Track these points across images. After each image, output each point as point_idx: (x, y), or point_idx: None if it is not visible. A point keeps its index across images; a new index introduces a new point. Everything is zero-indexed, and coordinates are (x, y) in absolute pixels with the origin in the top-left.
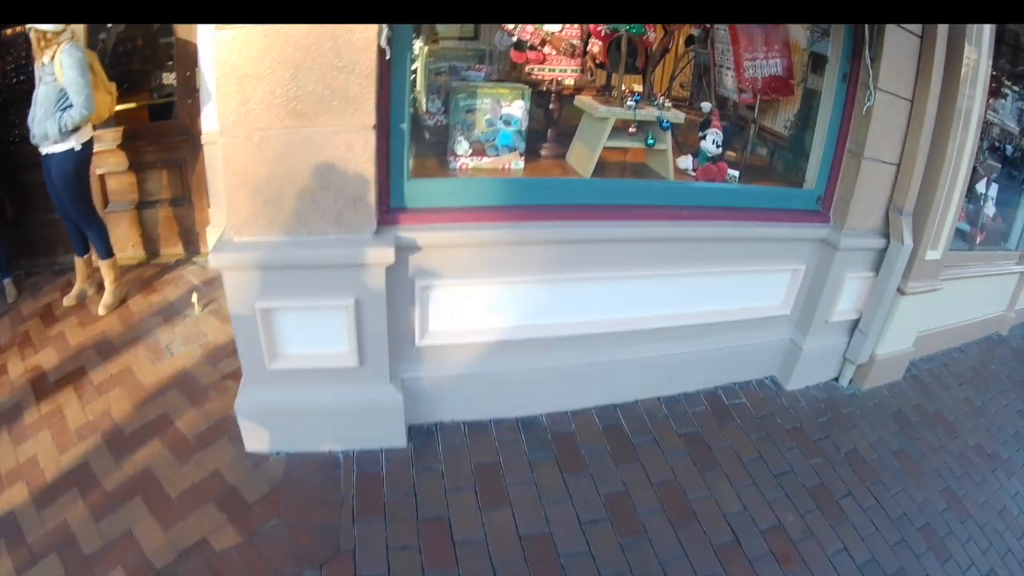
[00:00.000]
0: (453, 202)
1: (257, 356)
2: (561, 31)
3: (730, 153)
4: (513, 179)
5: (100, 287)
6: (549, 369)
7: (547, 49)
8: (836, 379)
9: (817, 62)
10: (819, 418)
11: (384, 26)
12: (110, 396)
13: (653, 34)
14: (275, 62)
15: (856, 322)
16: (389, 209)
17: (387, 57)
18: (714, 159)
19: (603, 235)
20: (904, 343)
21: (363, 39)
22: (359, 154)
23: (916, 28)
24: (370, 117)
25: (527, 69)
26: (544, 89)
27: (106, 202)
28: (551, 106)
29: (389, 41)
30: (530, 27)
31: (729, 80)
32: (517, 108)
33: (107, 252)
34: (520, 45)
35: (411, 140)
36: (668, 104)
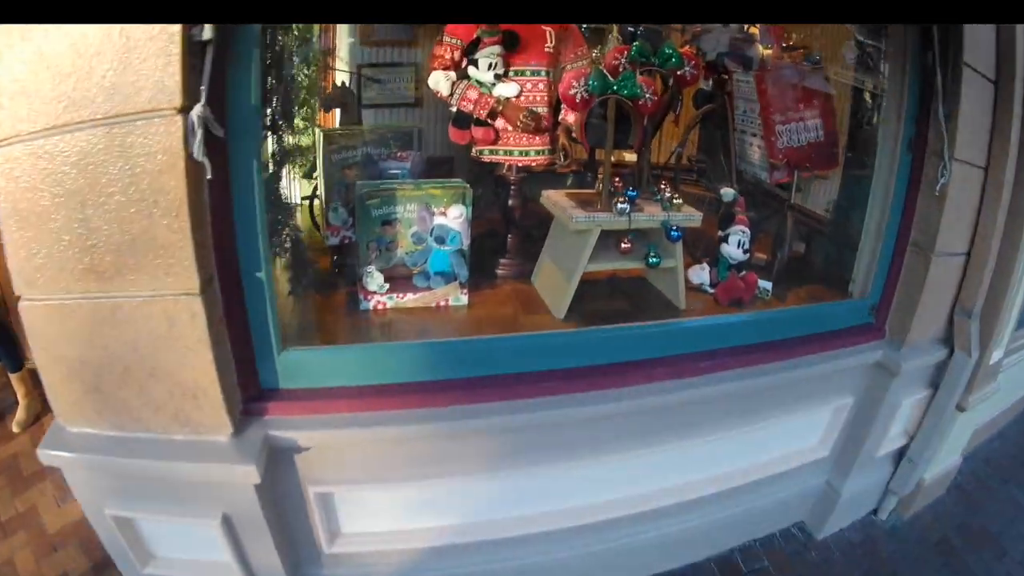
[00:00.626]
0: (353, 379)
1: (126, 558)
2: (518, 96)
3: (759, 254)
4: (445, 344)
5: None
6: (509, 568)
7: (500, 123)
8: (875, 511)
9: (862, 116)
10: (855, 571)
11: (196, 127)
12: (14, 541)
13: (651, 95)
14: (56, 194)
15: (903, 448)
16: (259, 392)
17: (208, 175)
18: (739, 266)
19: (583, 415)
20: (953, 457)
21: (164, 149)
22: (186, 330)
23: (990, 71)
24: (191, 276)
25: (473, 152)
26: (500, 177)
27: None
28: (510, 202)
29: (206, 145)
30: (472, 93)
31: (755, 152)
32: (456, 217)
33: (15, 365)
34: (460, 119)
35: (301, 275)
36: (677, 199)
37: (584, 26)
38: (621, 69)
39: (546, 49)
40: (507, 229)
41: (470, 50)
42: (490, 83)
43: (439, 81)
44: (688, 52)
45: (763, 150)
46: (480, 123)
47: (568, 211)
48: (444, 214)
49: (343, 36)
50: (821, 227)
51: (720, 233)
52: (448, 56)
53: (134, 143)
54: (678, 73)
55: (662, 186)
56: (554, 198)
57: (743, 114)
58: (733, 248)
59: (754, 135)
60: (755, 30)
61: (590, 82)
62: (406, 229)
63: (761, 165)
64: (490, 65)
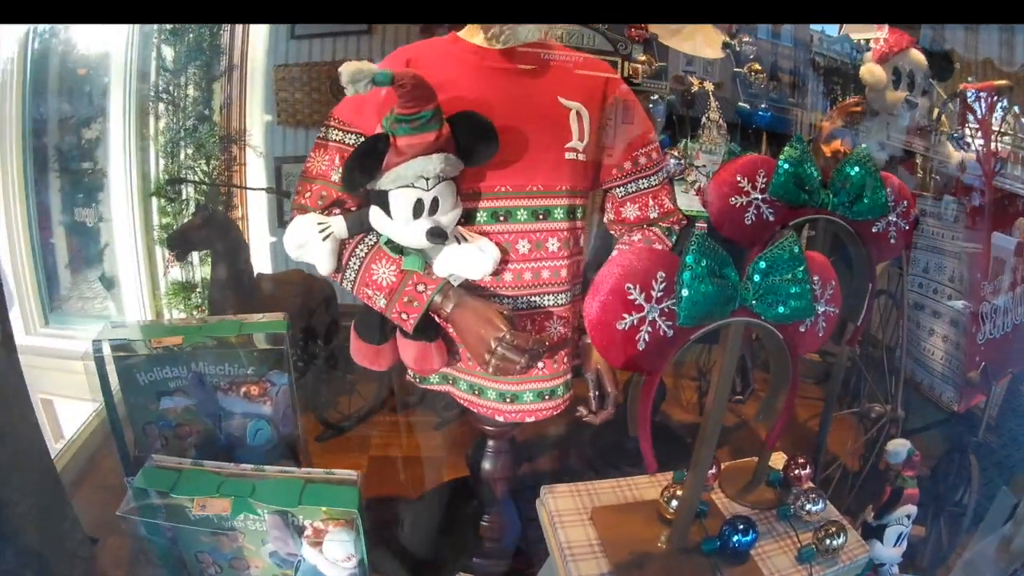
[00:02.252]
0: None
1: None
2: (497, 274)
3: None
4: None
5: None
6: None
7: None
8: None
9: None
10: None
11: None
12: None
13: (829, 306)
14: None
15: None
16: None
17: None
18: None
19: None
20: None
21: None
22: None
23: None
24: None
25: (409, 375)
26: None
27: None
28: (485, 466)
29: None
30: (383, 270)
31: (935, 347)
32: (341, 559)
33: None
34: (367, 323)
35: None
36: (833, 531)
37: (657, 98)
38: (749, 219)
39: (567, 153)
40: (481, 510)
41: (368, 165)
42: (422, 248)
43: (306, 241)
44: (898, 184)
45: (953, 346)
46: (410, 334)
47: None
48: (318, 541)
49: (254, 111)
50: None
51: (871, 520)
52: (333, 174)
53: None
54: (873, 231)
55: (798, 473)
56: (558, 521)
57: (924, 273)
58: (887, 548)
59: (936, 315)
60: (943, 120)
61: (681, 308)
62: (257, 545)
63: (945, 375)
64: (418, 206)
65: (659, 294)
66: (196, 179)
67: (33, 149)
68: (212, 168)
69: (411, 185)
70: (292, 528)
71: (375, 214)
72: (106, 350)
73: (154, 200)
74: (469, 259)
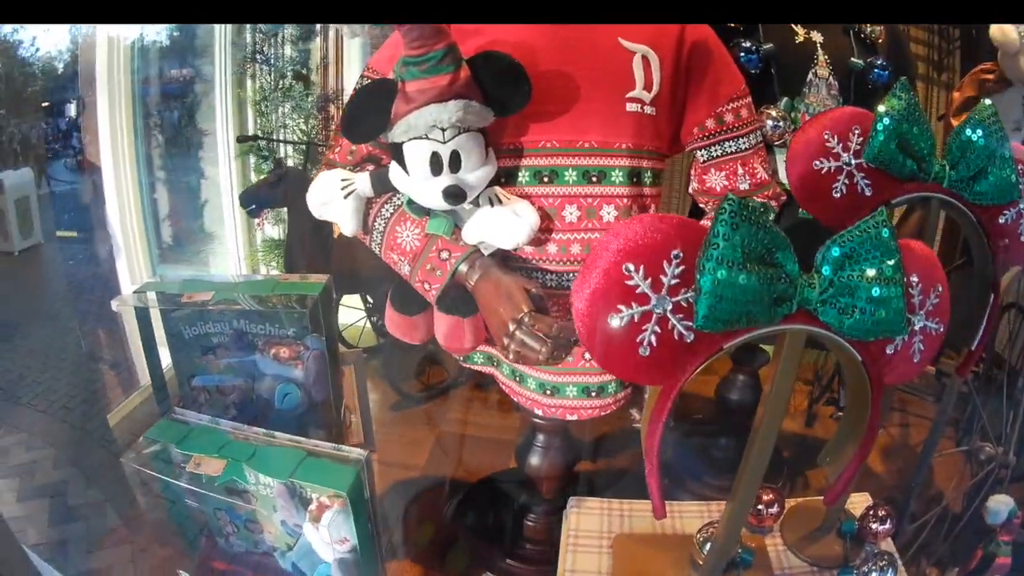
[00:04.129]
0: None
1: None
2: (541, 243)
3: None
4: None
5: None
6: None
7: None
8: None
9: None
10: None
11: None
12: None
13: (938, 324)
14: None
15: None
16: None
17: None
18: None
19: None
20: None
21: None
22: None
23: None
24: None
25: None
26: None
27: None
28: (532, 461)
29: None
30: (407, 233)
31: None
32: (328, 540)
33: None
34: (401, 293)
35: None
36: None
37: (750, 44)
38: (838, 190)
39: (629, 104)
40: (525, 508)
41: (368, 112)
42: (444, 209)
43: (329, 198)
44: None
45: None
46: (437, 306)
47: None
48: (317, 518)
49: (351, 70)
50: None
51: None
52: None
53: None
54: (1000, 221)
55: (875, 528)
56: (573, 543)
57: None
58: None
59: None
60: None
61: (699, 304)
62: (268, 511)
63: None
64: (435, 161)
65: (673, 281)
66: (267, 136)
67: (142, 107)
68: (311, 127)
69: (425, 137)
70: (298, 499)
71: (394, 170)
72: (150, 298)
73: (252, 158)
74: (502, 224)
